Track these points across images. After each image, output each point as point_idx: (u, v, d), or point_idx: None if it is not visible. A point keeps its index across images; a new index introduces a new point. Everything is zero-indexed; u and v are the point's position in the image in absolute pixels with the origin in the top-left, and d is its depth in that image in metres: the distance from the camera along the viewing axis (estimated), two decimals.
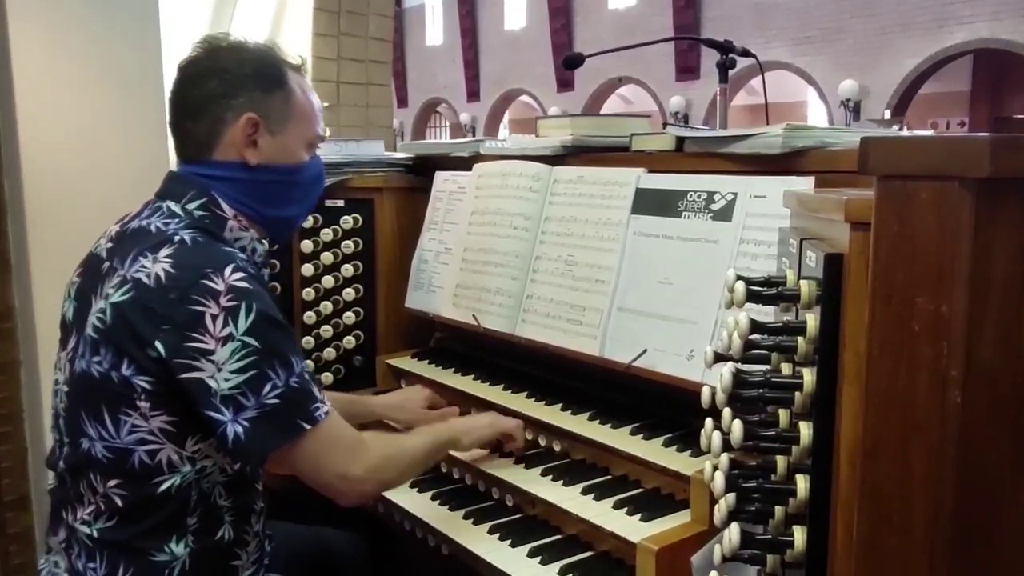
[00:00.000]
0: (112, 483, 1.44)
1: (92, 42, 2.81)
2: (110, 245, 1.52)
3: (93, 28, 2.81)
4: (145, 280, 1.39)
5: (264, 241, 1.63)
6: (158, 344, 1.36)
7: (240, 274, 1.40)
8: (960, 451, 0.82)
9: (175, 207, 1.51)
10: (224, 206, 1.54)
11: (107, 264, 1.48)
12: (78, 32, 2.80)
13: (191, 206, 1.52)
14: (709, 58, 2.47)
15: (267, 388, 1.38)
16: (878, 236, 0.84)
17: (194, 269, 1.39)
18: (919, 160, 0.81)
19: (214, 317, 1.36)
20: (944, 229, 0.80)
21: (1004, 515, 0.85)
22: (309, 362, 2.38)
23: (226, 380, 1.36)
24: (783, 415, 1.09)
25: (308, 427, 1.42)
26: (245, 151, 1.54)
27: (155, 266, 1.40)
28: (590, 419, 1.82)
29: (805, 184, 1.52)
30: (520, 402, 1.96)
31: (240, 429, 1.37)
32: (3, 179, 2.61)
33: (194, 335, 1.35)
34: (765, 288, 1.10)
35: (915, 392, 0.83)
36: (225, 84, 1.53)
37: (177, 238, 1.45)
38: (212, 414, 1.37)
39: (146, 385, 1.39)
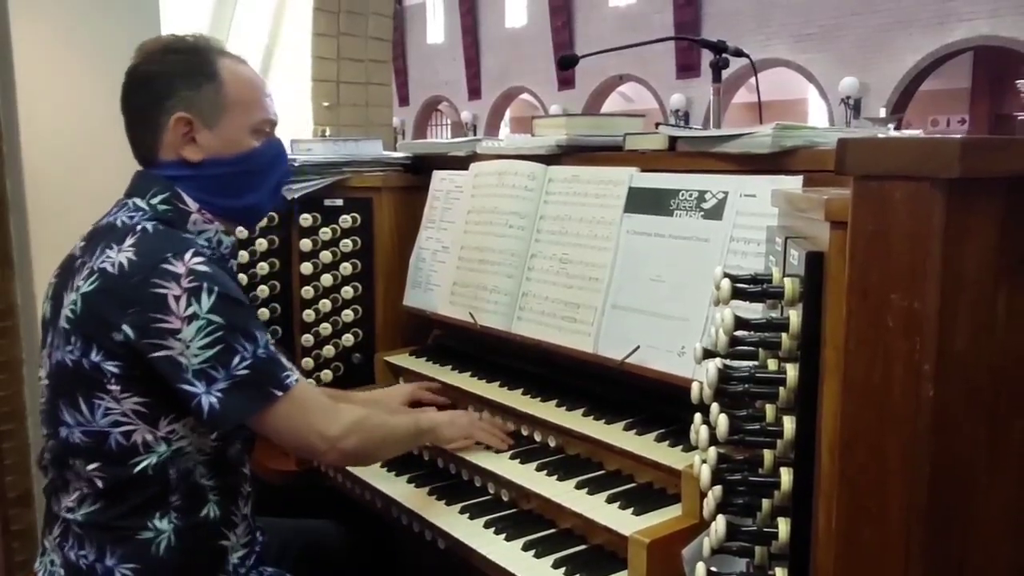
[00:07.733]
0: (92, 466, 1.50)
1: (94, 39, 2.83)
2: (83, 244, 1.59)
3: (95, 25, 2.84)
4: (110, 269, 1.46)
5: (230, 234, 1.68)
6: (125, 327, 1.43)
7: (199, 258, 1.46)
8: (934, 442, 0.84)
9: (140, 202, 1.57)
10: (188, 200, 1.59)
11: (79, 261, 1.55)
12: (80, 29, 2.82)
13: (155, 200, 1.57)
14: (710, 56, 2.48)
15: (235, 360, 1.45)
16: (854, 234, 0.86)
17: (154, 254, 1.46)
18: (893, 161, 0.83)
19: (177, 298, 1.42)
20: (916, 227, 0.82)
21: (978, 504, 0.87)
22: (308, 359, 2.41)
23: (195, 356, 1.43)
24: (769, 410, 1.11)
25: (280, 393, 1.50)
26: (183, 150, 1.58)
27: (119, 255, 1.47)
28: (584, 415, 1.85)
29: (794, 183, 1.54)
30: (516, 398, 1.99)
31: (214, 399, 1.44)
32: (5, 177, 2.64)
33: (159, 316, 1.42)
34: (750, 285, 1.12)
35: (890, 385, 0.86)
36: (155, 91, 1.57)
37: (139, 227, 1.51)
38: (185, 387, 1.43)
39: (115, 369, 1.46)
